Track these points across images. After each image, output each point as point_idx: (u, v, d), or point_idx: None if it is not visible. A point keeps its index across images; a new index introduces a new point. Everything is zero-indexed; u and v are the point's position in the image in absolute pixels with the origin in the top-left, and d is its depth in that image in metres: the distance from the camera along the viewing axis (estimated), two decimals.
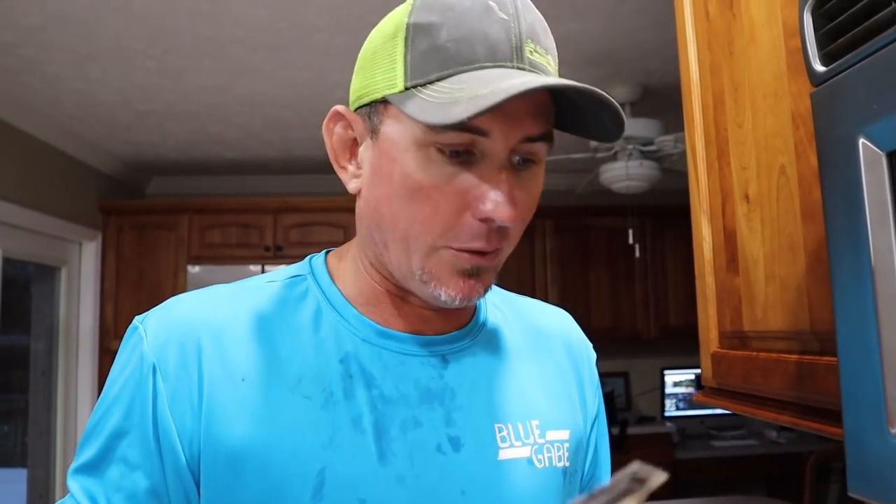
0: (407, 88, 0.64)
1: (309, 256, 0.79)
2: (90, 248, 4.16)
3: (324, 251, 0.80)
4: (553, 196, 4.72)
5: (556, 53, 0.71)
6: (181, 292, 0.84)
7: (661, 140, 3.08)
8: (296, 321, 0.72)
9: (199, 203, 4.32)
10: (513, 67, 0.63)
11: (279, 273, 0.78)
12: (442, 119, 0.59)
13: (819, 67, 0.66)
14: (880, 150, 0.58)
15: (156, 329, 0.69)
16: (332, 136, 0.72)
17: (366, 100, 0.68)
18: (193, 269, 4.20)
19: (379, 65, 0.67)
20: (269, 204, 4.30)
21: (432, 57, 0.63)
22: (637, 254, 4.13)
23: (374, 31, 0.71)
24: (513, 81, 0.59)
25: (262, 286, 0.75)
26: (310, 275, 0.76)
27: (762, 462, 4.30)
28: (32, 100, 3.24)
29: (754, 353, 0.97)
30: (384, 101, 0.66)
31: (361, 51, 0.72)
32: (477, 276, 0.68)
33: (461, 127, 0.61)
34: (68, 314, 4.02)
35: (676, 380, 4.68)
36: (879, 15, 0.58)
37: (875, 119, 0.58)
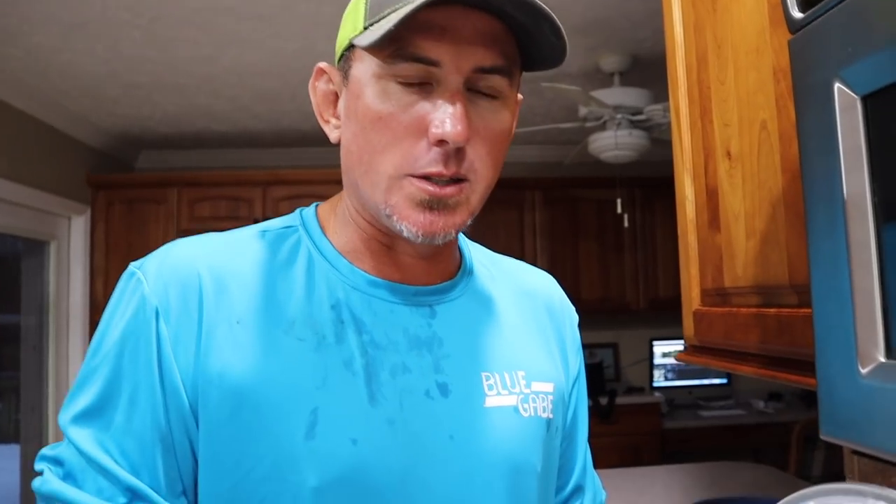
0: (365, 28, 0.67)
1: (299, 209, 0.81)
2: (79, 222, 4.14)
3: (314, 204, 0.81)
4: (542, 168, 4.72)
5: None
6: None
7: (650, 109, 3.08)
8: (288, 269, 0.73)
9: (188, 176, 4.30)
10: None
11: (271, 224, 0.79)
12: (370, 39, 0.63)
13: (797, 14, 0.66)
14: (855, 94, 0.59)
15: (156, 272, 0.70)
16: (316, 93, 0.76)
17: (340, 51, 0.73)
18: None
19: (349, 17, 0.71)
20: (259, 177, 4.28)
21: None
22: (626, 224, 4.14)
23: None
24: None
25: (255, 235, 0.76)
26: (301, 226, 0.78)
27: (749, 431, 4.34)
28: (17, 72, 3.21)
29: (735, 309, 0.98)
30: (351, 47, 0.70)
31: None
32: (438, 210, 0.68)
33: (412, 57, 0.65)
34: (58, 289, 4.01)
35: (665, 350, 4.72)
36: None
37: (850, 63, 0.58)
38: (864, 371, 0.58)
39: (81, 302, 4.10)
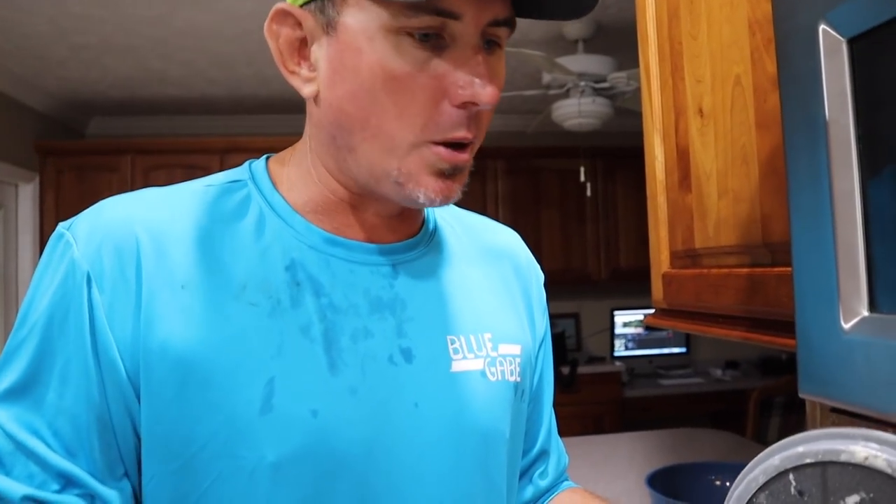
0: None
1: (248, 161, 0.74)
2: (27, 190, 4.00)
3: (264, 156, 0.75)
4: (505, 137, 4.68)
5: None
6: None
7: (614, 77, 3.05)
8: (237, 227, 0.67)
9: (141, 143, 4.17)
10: None
11: (216, 178, 0.73)
12: None
13: None
14: (841, 36, 0.56)
15: (87, 234, 0.63)
16: (277, 39, 0.66)
17: None
18: None
19: None
20: (216, 144, 4.16)
21: None
22: (588, 193, 4.14)
23: None
24: None
25: (198, 190, 0.70)
26: (250, 180, 0.71)
27: (708, 399, 4.43)
28: None
29: (706, 271, 0.96)
30: None
31: None
32: (454, 176, 0.65)
33: (433, 9, 0.58)
34: (5, 258, 3.87)
35: (626, 320, 4.77)
36: None
37: (836, 4, 0.55)
38: (846, 326, 0.56)
39: (30, 271, 3.97)
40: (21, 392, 0.61)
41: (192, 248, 0.65)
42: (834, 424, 0.66)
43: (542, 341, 0.87)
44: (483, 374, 0.72)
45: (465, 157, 0.64)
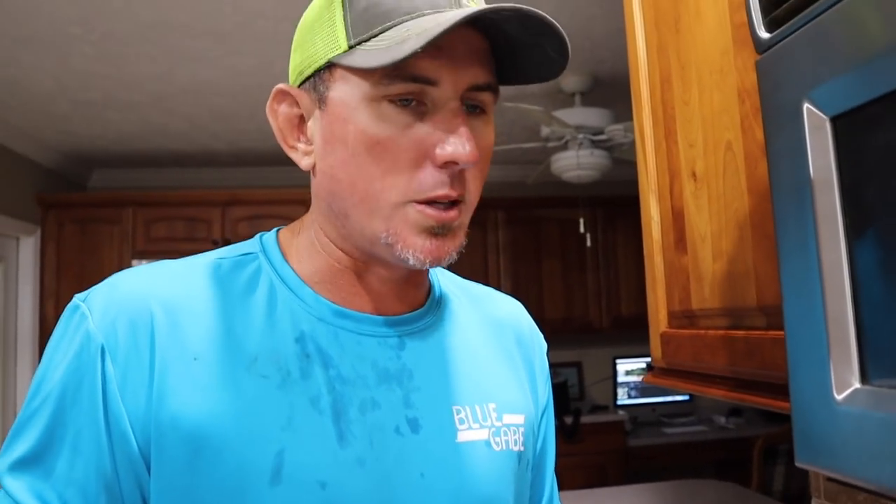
0: (351, 47, 0.63)
1: (259, 234, 0.76)
2: (28, 243, 4.01)
3: (274, 229, 0.77)
4: (505, 187, 4.72)
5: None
6: None
7: (611, 129, 3.10)
8: (249, 300, 0.69)
9: (143, 196, 4.20)
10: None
11: (229, 250, 0.74)
12: (394, 56, 0.59)
13: (763, 34, 0.65)
14: (824, 114, 0.58)
15: (103, 306, 0.64)
16: (277, 117, 0.70)
17: (309, 71, 0.67)
18: (138, 264, 4.08)
19: (318, 33, 0.67)
20: (217, 196, 4.20)
21: (373, 12, 0.63)
22: (588, 244, 4.16)
23: (307, 10, 0.70)
24: (455, 13, 0.60)
25: (211, 263, 0.71)
26: (261, 252, 0.73)
27: (712, 447, 4.38)
28: None
29: (702, 332, 0.97)
30: (329, 67, 0.65)
31: (297, 29, 0.71)
32: (444, 235, 0.66)
33: (409, 77, 0.61)
34: (5, 312, 3.87)
35: (628, 368, 4.74)
36: None
37: (819, 83, 0.57)
38: (839, 397, 0.56)
39: (31, 325, 3.97)
40: (33, 462, 0.62)
41: (204, 320, 0.66)
42: (824, 488, 0.65)
43: (545, 410, 0.87)
44: (488, 443, 0.73)
45: (451, 215, 0.65)
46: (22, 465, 0.62)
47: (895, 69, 0.50)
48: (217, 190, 4.33)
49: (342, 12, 0.65)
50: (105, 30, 2.60)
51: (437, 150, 0.63)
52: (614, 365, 4.76)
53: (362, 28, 0.63)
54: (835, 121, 0.57)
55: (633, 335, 4.58)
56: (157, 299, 0.65)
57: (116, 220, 4.13)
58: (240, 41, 2.75)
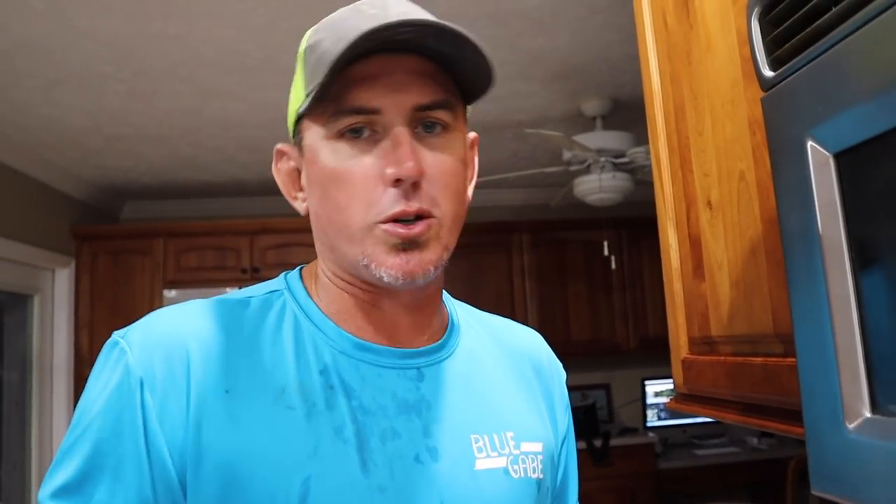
0: (307, 96, 0.70)
1: (283, 273, 0.81)
2: (63, 274, 4.11)
3: (298, 267, 0.81)
4: (529, 210, 4.74)
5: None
6: None
7: (632, 152, 3.11)
8: (276, 335, 0.73)
9: (173, 227, 4.29)
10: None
11: (256, 289, 0.79)
12: (307, 103, 0.69)
13: (768, 73, 0.68)
14: (827, 151, 0.59)
15: (141, 342, 0.69)
16: (280, 174, 0.79)
17: (291, 127, 0.76)
18: (170, 294, 4.16)
19: (292, 92, 0.75)
20: (246, 226, 4.29)
21: (318, 63, 0.69)
22: (613, 266, 4.15)
23: None
24: (369, 25, 0.65)
25: (241, 301, 0.76)
26: (286, 290, 0.78)
27: (744, 469, 4.31)
28: (1, 126, 3.21)
29: (722, 358, 0.98)
30: (299, 120, 0.73)
31: None
32: (411, 250, 0.69)
33: (352, 110, 0.68)
34: (42, 343, 3.96)
35: (657, 390, 4.70)
36: (820, 20, 0.60)
37: (821, 121, 0.59)
38: (850, 426, 0.57)
39: (66, 355, 4.05)
40: (74, 490, 0.65)
41: (235, 355, 0.70)
42: None
43: (565, 438, 0.89)
44: (506, 471, 0.75)
45: (417, 230, 0.69)
46: (63, 493, 0.65)
47: (894, 108, 0.52)
48: (245, 219, 4.42)
49: (302, 71, 0.73)
50: (137, 68, 2.68)
51: (388, 171, 0.67)
52: (643, 386, 4.72)
53: (311, 79, 0.70)
54: (838, 157, 0.59)
55: (661, 356, 4.51)
56: (192, 335, 0.70)
57: (148, 251, 4.22)
58: (265, 76, 2.82)
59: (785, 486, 3.29)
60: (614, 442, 4.28)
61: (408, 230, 0.68)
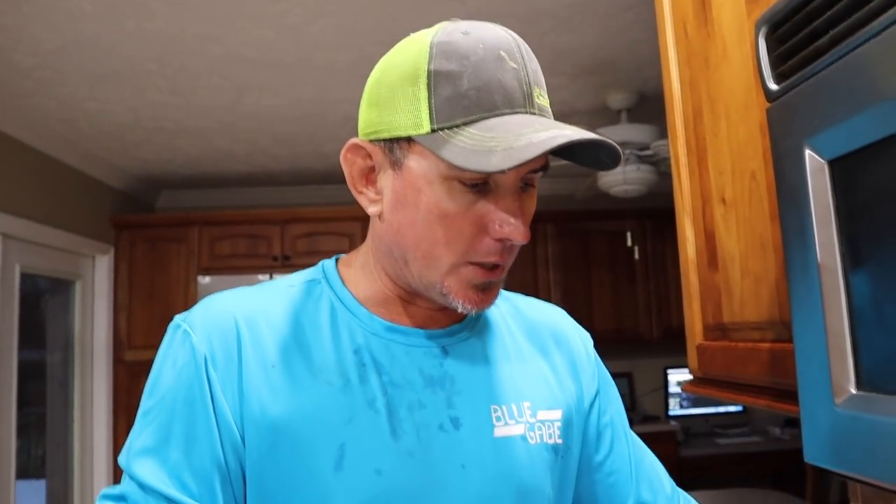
0: (433, 130, 0.72)
1: (321, 262, 0.90)
2: (103, 261, 4.26)
3: (334, 258, 0.90)
4: (554, 201, 4.80)
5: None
6: (192, 303, 0.94)
7: (656, 145, 3.17)
8: (315, 318, 0.82)
9: (208, 216, 4.42)
10: (526, 113, 0.73)
11: (296, 277, 0.88)
12: (483, 167, 0.67)
13: (772, 85, 0.75)
14: (822, 158, 0.67)
15: (201, 324, 0.79)
16: (351, 166, 0.81)
17: (386, 135, 0.76)
18: (204, 280, 4.30)
19: (400, 105, 0.74)
20: (277, 215, 4.40)
21: (456, 103, 0.71)
22: (636, 256, 4.21)
23: (386, 67, 0.78)
24: (540, 136, 0.68)
25: (283, 288, 0.86)
26: (323, 279, 0.87)
27: (766, 458, 4.34)
28: (47, 120, 3.35)
29: (733, 344, 1.06)
30: (408, 139, 0.74)
31: (373, 84, 0.79)
32: (489, 290, 0.79)
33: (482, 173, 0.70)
34: (83, 326, 4.12)
35: (679, 379, 4.74)
36: (818, 42, 0.67)
37: (817, 131, 0.66)
38: (838, 401, 0.65)
39: (105, 338, 4.21)
40: (153, 452, 0.75)
41: (279, 335, 0.80)
42: (861, 493, 0.74)
43: (596, 396, 0.97)
44: (524, 438, 0.83)
45: (497, 276, 0.78)
46: (144, 454, 0.75)
47: (880, 122, 0.60)
48: (276, 209, 4.53)
49: (426, 94, 0.72)
50: (178, 65, 2.79)
51: (497, 227, 0.74)
52: (665, 375, 4.77)
53: (445, 115, 0.71)
54: (832, 164, 0.66)
55: (684, 346, 4.57)
56: (242, 316, 0.80)
57: (183, 239, 4.36)
58: (300, 72, 2.91)
59: (806, 476, 3.33)
60: (636, 429, 4.29)
61: (491, 275, 0.77)
